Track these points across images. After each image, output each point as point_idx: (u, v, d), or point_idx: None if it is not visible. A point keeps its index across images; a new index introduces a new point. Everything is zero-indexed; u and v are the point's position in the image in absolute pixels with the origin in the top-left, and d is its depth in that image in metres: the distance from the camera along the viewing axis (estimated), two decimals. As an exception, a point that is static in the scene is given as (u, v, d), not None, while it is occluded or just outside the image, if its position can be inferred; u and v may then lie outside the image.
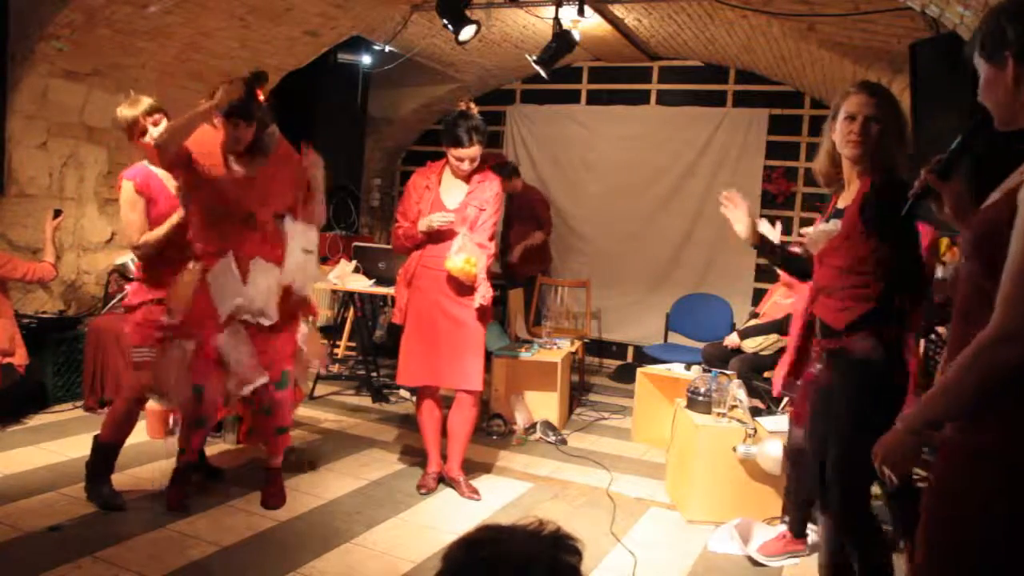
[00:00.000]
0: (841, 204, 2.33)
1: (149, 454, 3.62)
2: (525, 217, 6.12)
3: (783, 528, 3.16)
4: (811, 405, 2.41)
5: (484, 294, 3.41)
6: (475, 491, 3.49)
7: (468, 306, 3.40)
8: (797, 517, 3.06)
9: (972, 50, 1.46)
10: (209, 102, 2.84)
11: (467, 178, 3.47)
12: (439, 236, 3.42)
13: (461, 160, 3.41)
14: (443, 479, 3.58)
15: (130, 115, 3.09)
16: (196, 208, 3.00)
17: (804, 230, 2.44)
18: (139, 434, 3.43)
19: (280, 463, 3.32)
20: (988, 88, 1.44)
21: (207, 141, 2.95)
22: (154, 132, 3.08)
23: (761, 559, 3.01)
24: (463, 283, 3.36)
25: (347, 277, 5.18)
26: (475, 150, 3.39)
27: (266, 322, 3.02)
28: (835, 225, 2.27)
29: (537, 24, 5.54)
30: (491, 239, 3.49)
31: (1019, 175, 1.38)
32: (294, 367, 3.22)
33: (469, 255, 3.33)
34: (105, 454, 3.12)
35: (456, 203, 3.44)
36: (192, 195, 2.99)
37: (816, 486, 2.39)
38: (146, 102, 3.11)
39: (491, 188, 3.47)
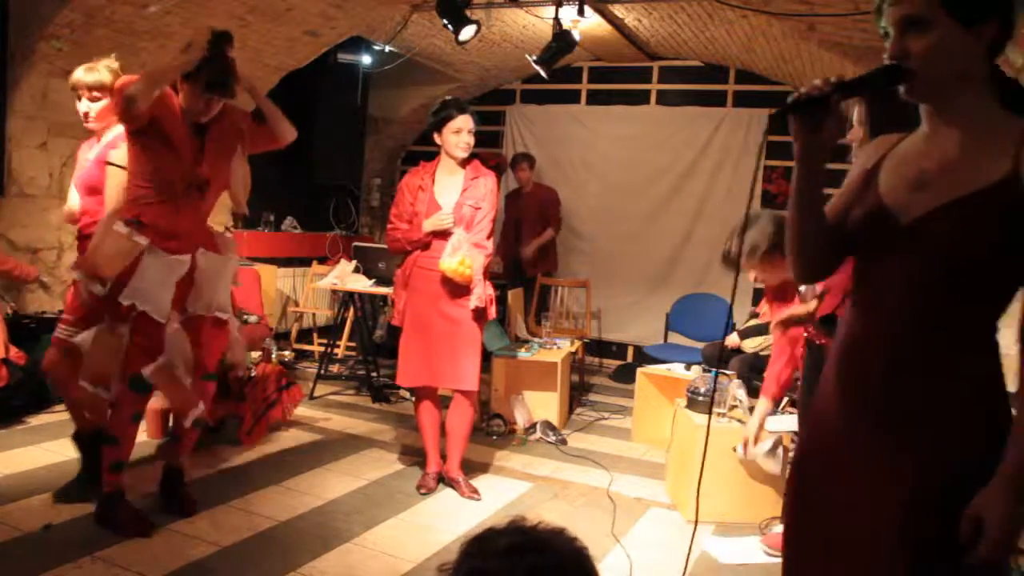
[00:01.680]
0: None
1: (148, 454, 3.62)
2: (534, 218, 6.17)
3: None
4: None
5: (480, 295, 3.34)
6: (475, 491, 3.49)
7: (464, 306, 3.37)
8: None
9: (912, 7, 1.17)
10: (182, 57, 2.63)
11: (462, 171, 3.43)
12: (434, 236, 3.40)
13: (459, 132, 3.33)
14: (443, 479, 3.58)
15: (74, 81, 2.92)
16: (146, 173, 2.72)
17: None
18: (138, 434, 3.41)
19: (183, 463, 3.12)
20: (942, 53, 1.16)
21: (165, 100, 2.68)
22: (81, 107, 2.92)
23: (767, 551, 3.02)
24: (459, 284, 3.32)
25: (347, 277, 5.18)
26: (469, 120, 3.35)
27: (223, 316, 2.92)
28: None
29: (537, 24, 5.54)
30: (489, 237, 3.44)
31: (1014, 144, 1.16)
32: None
33: (464, 256, 3.28)
34: (87, 443, 3.10)
35: (451, 202, 3.39)
36: (145, 158, 2.71)
37: None
38: (97, 74, 2.89)
39: (485, 185, 3.42)
